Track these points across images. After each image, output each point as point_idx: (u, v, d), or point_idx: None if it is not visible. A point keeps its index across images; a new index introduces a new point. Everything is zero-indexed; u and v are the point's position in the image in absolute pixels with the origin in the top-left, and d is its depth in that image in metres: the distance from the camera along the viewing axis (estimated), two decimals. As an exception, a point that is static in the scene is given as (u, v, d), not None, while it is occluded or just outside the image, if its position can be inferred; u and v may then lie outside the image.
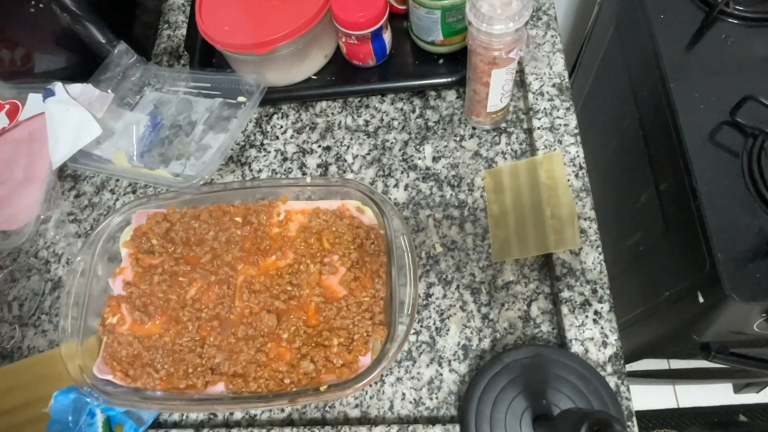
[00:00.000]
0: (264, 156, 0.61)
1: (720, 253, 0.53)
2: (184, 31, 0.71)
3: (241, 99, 0.60)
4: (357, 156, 0.59)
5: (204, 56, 0.64)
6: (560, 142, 0.56)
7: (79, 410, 0.47)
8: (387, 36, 0.58)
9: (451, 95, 0.62)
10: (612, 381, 0.46)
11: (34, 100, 0.61)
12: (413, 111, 0.61)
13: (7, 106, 0.62)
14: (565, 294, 0.49)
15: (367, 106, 0.62)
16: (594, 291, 0.49)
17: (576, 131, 0.56)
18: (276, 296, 0.49)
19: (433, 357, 0.49)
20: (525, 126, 0.59)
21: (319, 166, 0.60)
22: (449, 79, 0.59)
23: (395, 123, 0.61)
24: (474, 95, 0.54)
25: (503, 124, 0.59)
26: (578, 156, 0.55)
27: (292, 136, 0.62)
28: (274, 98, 0.62)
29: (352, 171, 0.59)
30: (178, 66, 0.69)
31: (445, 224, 0.55)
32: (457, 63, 0.59)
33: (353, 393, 0.48)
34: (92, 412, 0.48)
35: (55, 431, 0.47)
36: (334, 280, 0.49)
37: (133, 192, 0.62)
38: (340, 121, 0.62)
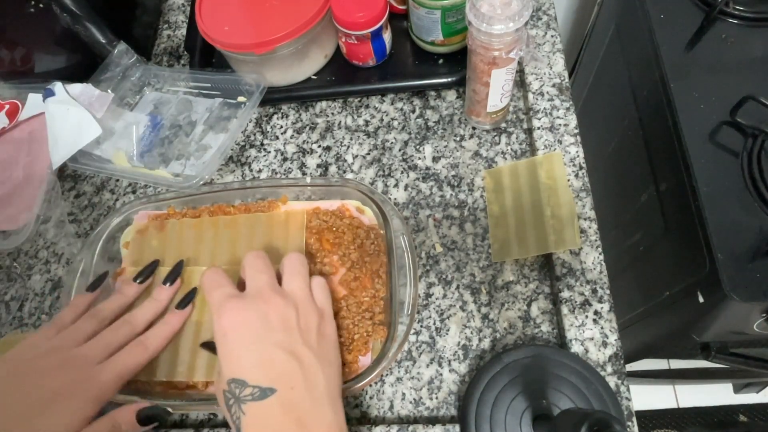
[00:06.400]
0: (264, 156, 0.61)
1: (720, 253, 0.53)
2: (184, 31, 0.71)
3: (241, 99, 0.60)
4: (357, 156, 0.59)
5: (204, 56, 0.64)
6: (560, 142, 0.56)
7: None
8: (387, 36, 0.58)
9: (451, 95, 0.62)
10: (612, 381, 0.46)
11: (34, 100, 0.61)
12: (413, 111, 0.61)
13: (7, 106, 0.62)
14: (565, 294, 0.49)
15: (367, 106, 0.62)
16: (594, 291, 0.49)
17: (576, 131, 0.56)
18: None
19: (433, 357, 0.49)
20: (525, 126, 0.59)
21: (319, 166, 0.60)
22: (449, 79, 0.59)
23: (395, 123, 0.61)
24: (474, 95, 0.54)
25: (503, 124, 0.59)
26: (578, 156, 0.55)
27: (292, 136, 0.62)
28: (274, 98, 0.62)
29: (352, 171, 0.59)
30: (178, 66, 0.69)
31: (445, 224, 0.55)
32: (457, 63, 0.59)
33: (353, 393, 0.48)
34: None
35: None
36: (334, 280, 0.49)
37: (133, 192, 0.62)
38: (340, 121, 0.62)
